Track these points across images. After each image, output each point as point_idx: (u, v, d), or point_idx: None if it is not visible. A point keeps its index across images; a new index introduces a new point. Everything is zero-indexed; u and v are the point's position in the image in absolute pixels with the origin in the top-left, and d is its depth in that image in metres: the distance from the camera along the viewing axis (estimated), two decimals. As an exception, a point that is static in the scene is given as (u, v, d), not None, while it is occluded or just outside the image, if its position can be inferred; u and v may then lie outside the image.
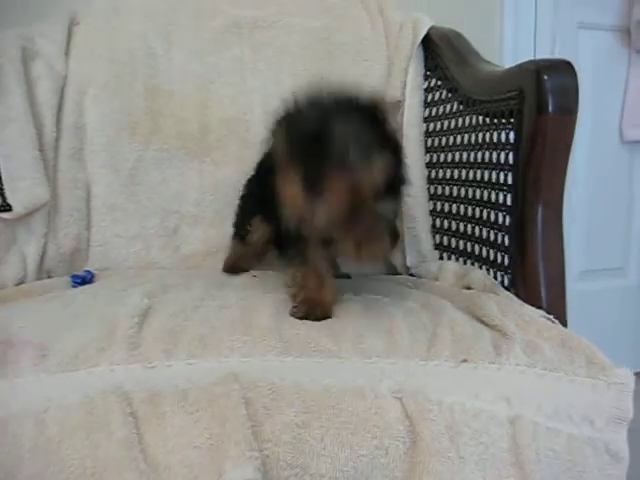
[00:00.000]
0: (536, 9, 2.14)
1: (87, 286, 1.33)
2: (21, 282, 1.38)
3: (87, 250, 1.53)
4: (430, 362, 0.90)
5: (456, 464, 0.83)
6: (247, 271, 1.39)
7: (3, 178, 1.38)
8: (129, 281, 1.30)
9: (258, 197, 1.29)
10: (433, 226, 1.48)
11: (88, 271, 1.42)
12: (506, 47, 2.10)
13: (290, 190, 0.97)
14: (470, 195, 1.33)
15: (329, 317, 1.02)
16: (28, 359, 0.89)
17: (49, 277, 1.46)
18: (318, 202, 0.94)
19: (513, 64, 1.23)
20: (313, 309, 1.02)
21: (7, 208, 1.39)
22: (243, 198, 1.41)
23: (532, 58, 1.23)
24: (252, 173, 1.38)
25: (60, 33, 1.56)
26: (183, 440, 0.80)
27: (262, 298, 1.10)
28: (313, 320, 0.99)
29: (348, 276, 1.33)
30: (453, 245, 1.41)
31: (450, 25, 1.57)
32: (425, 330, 0.97)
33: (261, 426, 0.81)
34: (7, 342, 0.95)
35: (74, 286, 1.35)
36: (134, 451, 0.78)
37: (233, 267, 1.41)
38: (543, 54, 2.10)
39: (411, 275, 1.45)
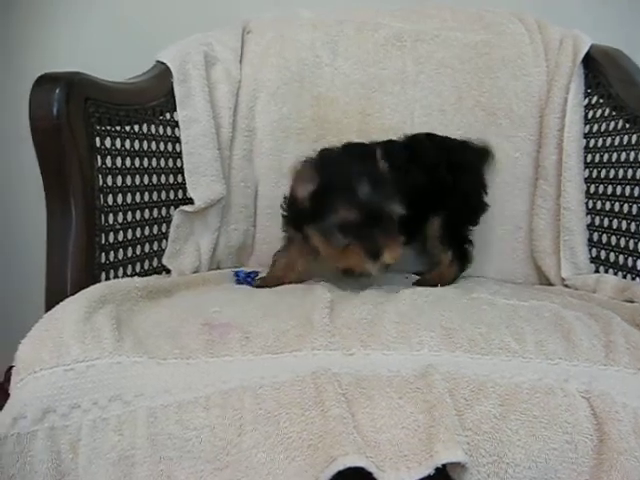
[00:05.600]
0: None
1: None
2: (196, 271, 1.47)
3: (252, 246, 1.63)
4: (610, 367, 0.93)
5: (643, 464, 0.86)
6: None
7: (186, 174, 1.46)
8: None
9: None
10: (590, 240, 1.49)
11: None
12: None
13: None
14: (634, 211, 1.35)
15: None
16: (235, 340, 0.97)
17: (218, 268, 1.56)
18: None
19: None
20: None
21: (188, 202, 1.48)
22: None
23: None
24: None
25: (235, 40, 1.66)
26: (391, 421, 0.86)
27: (433, 298, 1.17)
28: None
29: None
30: (612, 259, 1.42)
31: (598, 39, 1.58)
32: (599, 337, 1.00)
33: (462, 415, 0.86)
34: (209, 324, 1.03)
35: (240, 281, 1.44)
36: (349, 427, 0.84)
37: None
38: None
39: (565, 286, 1.45)
